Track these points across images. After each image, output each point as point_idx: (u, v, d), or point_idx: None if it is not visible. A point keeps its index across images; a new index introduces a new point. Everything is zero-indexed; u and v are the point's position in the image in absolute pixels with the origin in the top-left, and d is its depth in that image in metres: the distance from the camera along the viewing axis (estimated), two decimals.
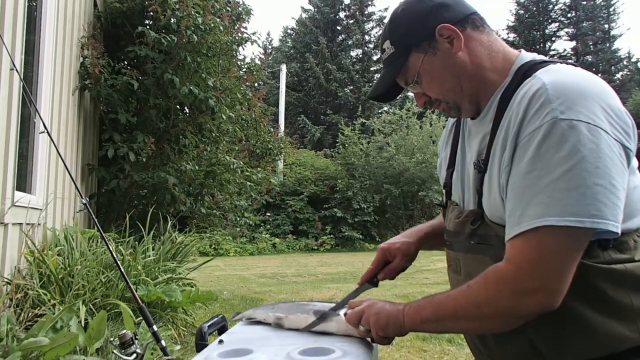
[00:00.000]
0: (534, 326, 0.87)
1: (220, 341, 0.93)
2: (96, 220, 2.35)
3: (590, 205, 0.75)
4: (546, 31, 29.47)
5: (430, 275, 7.67)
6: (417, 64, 0.97)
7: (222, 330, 1.10)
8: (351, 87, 27.03)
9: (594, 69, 28.41)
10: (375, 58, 28.22)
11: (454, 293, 0.91)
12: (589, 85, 0.84)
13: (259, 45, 10.06)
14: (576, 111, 0.78)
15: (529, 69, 0.92)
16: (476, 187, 0.97)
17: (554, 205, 0.76)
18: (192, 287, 3.79)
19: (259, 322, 1.08)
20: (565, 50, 30.05)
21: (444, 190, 1.12)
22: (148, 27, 4.73)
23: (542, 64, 0.92)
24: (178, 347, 2.91)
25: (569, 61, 0.95)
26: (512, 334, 0.89)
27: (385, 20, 1.45)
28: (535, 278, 0.79)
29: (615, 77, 28.50)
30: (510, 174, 0.86)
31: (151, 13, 4.90)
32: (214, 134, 5.38)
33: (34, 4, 3.34)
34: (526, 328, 0.87)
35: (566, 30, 29.44)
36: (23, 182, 3.11)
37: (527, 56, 0.97)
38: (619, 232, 0.77)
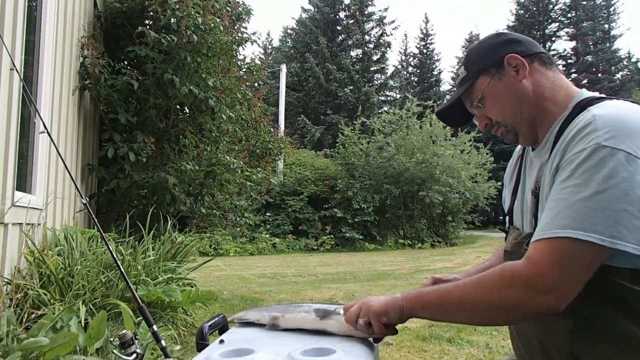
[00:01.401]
0: (578, 342, 0.91)
1: (221, 341, 0.93)
2: (96, 220, 2.34)
3: (612, 227, 0.80)
4: (546, 31, 29.48)
5: (430, 275, 7.67)
6: (483, 86, 1.08)
7: (222, 330, 1.10)
8: (351, 87, 27.03)
9: (594, 69, 28.43)
10: (375, 58, 28.22)
11: (462, 282, 0.94)
12: (639, 120, 0.88)
13: (259, 45, 10.06)
14: (619, 141, 0.84)
15: (586, 104, 0.98)
16: (533, 212, 1.04)
17: (580, 221, 0.82)
18: (192, 287, 3.79)
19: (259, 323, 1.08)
20: (565, 50, 30.09)
21: (507, 217, 1.19)
22: (148, 27, 4.72)
23: (600, 99, 0.99)
24: (178, 347, 2.91)
25: (629, 99, 1.00)
26: (556, 350, 0.95)
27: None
28: (551, 279, 0.83)
29: (615, 77, 28.50)
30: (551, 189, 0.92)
31: (151, 13, 4.90)
32: (214, 134, 5.38)
33: (34, 4, 3.34)
34: (571, 344, 0.92)
35: (566, 30, 29.48)
36: (23, 182, 3.11)
37: (587, 93, 1.04)
38: None
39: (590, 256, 0.82)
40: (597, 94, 1.03)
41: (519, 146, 1.23)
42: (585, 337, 0.90)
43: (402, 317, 0.96)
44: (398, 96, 29.20)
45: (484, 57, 1.09)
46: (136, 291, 2.71)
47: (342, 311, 0.99)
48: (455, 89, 1.17)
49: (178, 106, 5.03)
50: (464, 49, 35.26)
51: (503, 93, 1.06)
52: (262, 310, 1.07)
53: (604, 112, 0.90)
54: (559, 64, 30.63)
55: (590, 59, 28.27)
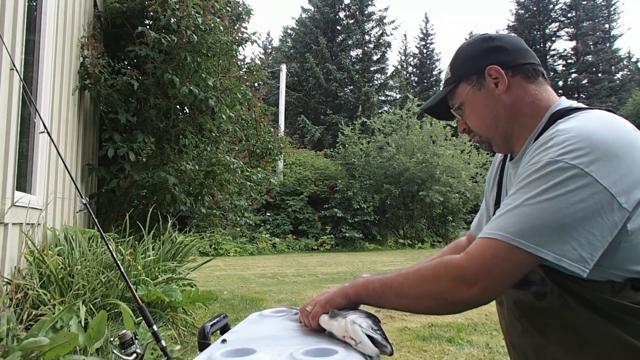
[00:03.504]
0: (574, 354, 0.93)
1: (224, 340, 0.93)
2: (96, 220, 2.34)
3: (538, 236, 0.84)
4: (546, 31, 29.48)
5: None
6: (463, 94, 1.09)
7: (224, 329, 1.10)
8: (351, 87, 27.03)
9: (594, 69, 28.43)
10: (375, 58, 28.22)
11: (405, 271, 0.98)
12: (605, 138, 0.87)
13: (259, 45, 10.06)
14: (574, 156, 0.85)
15: (560, 116, 0.98)
16: None
17: (513, 225, 0.87)
18: (192, 287, 3.78)
19: (262, 322, 1.08)
20: (565, 50, 30.09)
21: None
22: (148, 27, 4.72)
23: (575, 110, 0.98)
24: (178, 347, 2.90)
25: (608, 108, 0.99)
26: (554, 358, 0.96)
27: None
28: (479, 273, 0.87)
29: (615, 77, 28.50)
30: None
31: (151, 13, 4.90)
32: (214, 134, 5.38)
33: (34, 4, 3.34)
34: (567, 354, 0.94)
35: (566, 30, 29.47)
36: (23, 182, 3.11)
37: (564, 103, 1.03)
38: (566, 266, 0.83)
39: (519, 258, 0.86)
40: (574, 104, 1.02)
41: (498, 155, 1.24)
42: (580, 348, 0.92)
43: (349, 302, 1.00)
44: (398, 96, 29.20)
45: (468, 63, 1.09)
46: (136, 291, 2.71)
47: (350, 316, 0.97)
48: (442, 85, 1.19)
49: (178, 106, 5.03)
50: None
51: (481, 104, 1.07)
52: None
53: (569, 127, 0.91)
54: (558, 64, 30.19)
55: (590, 59, 28.25)
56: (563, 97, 1.06)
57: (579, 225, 0.83)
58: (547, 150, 0.89)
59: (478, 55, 1.08)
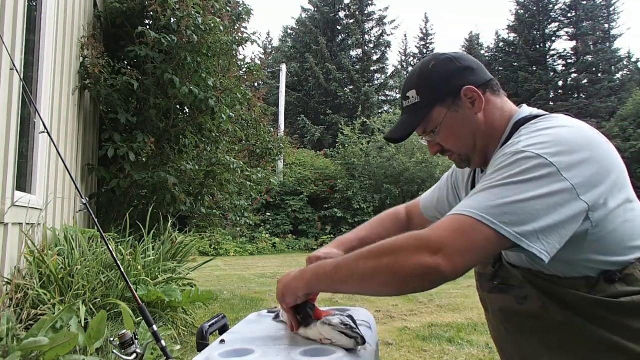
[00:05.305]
0: (554, 352, 0.95)
1: (222, 341, 0.93)
2: (96, 220, 2.34)
3: (504, 216, 0.84)
4: (546, 31, 29.45)
5: None
6: (440, 118, 1.07)
7: (223, 329, 1.10)
8: (351, 87, 27.03)
9: (594, 69, 28.42)
10: (375, 58, 28.22)
11: (361, 249, 0.91)
12: (568, 136, 0.91)
13: (259, 45, 10.05)
14: (540, 147, 0.89)
15: (523, 123, 1.02)
16: None
17: (482, 203, 0.86)
18: (192, 287, 3.79)
19: (261, 322, 1.08)
20: (565, 50, 30.06)
21: None
22: (148, 27, 4.72)
23: (536, 117, 1.02)
24: (178, 347, 2.91)
25: (567, 114, 1.02)
26: None
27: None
28: (442, 241, 0.82)
29: (615, 77, 28.49)
30: None
31: (151, 13, 4.90)
32: (214, 134, 5.38)
33: (34, 4, 3.34)
34: (549, 355, 0.96)
35: (566, 30, 29.42)
36: (23, 182, 3.11)
37: (525, 111, 1.07)
38: (525, 247, 0.83)
39: (486, 233, 0.84)
40: (535, 111, 1.06)
41: None
42: (559, 347, 0.95)
43: (299, 299, 0.96)
44: (398, 96, 29.19)
45: (440, 85, 1.07)
46: (136, 291, 2.71)
47: (320, 322, 0.95)
48: (403, 107, 1.15)
49: (178, 106, 5.03)
50: (464, 49, 35.18)
51: (459, 125, 1.07)
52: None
53: (535, 128, 0.96)
54: (558, 64, 29.93)
55: (590, 59, 28.21)
56: (524, 105, 1.09)
57: (542, 211, 0.84)
58: (513, 146, 0.93)
59: (449, 77, 1.06)
